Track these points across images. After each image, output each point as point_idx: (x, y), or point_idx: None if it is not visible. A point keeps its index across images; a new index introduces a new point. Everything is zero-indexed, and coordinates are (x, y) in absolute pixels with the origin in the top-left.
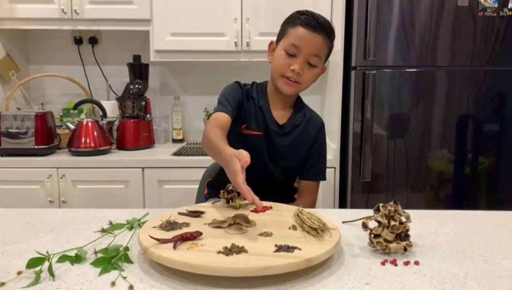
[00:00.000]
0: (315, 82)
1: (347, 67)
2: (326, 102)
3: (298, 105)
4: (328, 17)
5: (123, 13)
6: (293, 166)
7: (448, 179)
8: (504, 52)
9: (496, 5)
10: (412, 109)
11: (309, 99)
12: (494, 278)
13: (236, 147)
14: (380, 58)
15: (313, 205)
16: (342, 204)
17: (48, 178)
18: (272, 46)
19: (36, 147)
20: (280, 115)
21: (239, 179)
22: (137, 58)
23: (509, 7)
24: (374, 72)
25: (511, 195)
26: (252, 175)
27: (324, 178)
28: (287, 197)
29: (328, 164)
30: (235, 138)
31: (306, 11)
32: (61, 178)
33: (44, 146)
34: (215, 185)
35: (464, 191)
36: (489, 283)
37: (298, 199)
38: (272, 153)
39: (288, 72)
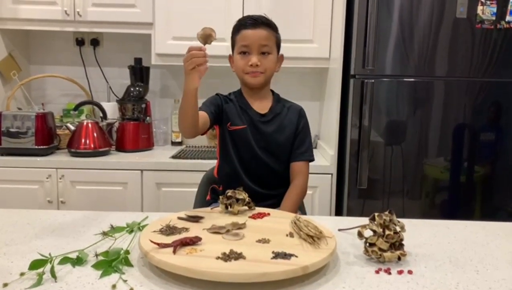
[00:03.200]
0: (279, 71)
1: (346, 75)
2: (325, 108)
3: (276, 97)
4: (328, 26)
5: (126, 16)
6: (282, 152)
7: (444, 187)
8: (501, 64)
9: (494, 18)
10: (409, 117)
11: (308, 105)
12: (485, 289)
13: (226, 145)
14: (378, 67)
15: (305, 186)
16: (338, 210)
17: (47, 178)
18: (231, 59)
19: (36, 147)
20: (261, 106)
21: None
22: (138, 60)
23: (506, 20)
24: (373, 80)
25: (505, 204)
26: (247, 168)
27: (312, 158)
28: (285, 186)
29: (325, 171)
30: (224, 137)
31: (244, 16)
32: (60, 178)
33: (44, 146)
34: (221, 192)
35: (459, 199)
36: None
37: (291, 183)
38: (259, 141)
39: (248, 68)
